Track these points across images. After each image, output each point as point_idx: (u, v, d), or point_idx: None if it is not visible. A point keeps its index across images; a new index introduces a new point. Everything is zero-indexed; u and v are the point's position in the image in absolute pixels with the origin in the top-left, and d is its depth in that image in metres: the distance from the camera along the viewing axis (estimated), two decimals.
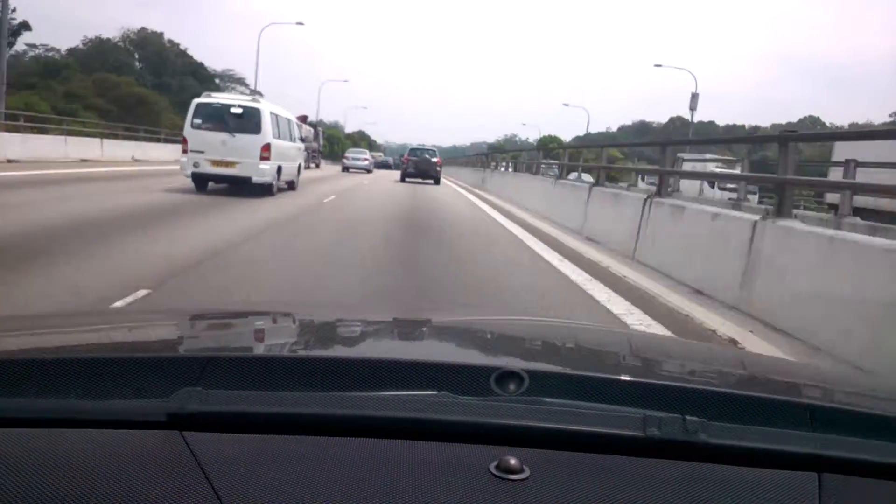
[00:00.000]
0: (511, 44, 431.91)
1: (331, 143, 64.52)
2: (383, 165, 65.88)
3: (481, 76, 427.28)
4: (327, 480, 0.65)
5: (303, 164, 17.00)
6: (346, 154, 40.75)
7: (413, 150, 29.06)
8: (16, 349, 1.01)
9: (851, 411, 0.91)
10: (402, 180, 26.38)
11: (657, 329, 4.56)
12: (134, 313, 1.78)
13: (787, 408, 0.86)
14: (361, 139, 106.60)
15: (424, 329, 1.42)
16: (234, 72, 71.28)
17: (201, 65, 64.29)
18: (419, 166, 26.99)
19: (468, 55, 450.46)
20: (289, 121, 15.26)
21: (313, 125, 38.80)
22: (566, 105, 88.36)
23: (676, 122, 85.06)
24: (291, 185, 15.52)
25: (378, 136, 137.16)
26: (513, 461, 0.68)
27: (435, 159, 27.59)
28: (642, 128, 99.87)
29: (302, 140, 16.78)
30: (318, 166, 35.96)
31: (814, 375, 1.47)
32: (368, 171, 37.95)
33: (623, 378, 0.97)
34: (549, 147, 28.26)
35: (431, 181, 26.06)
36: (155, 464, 0.66)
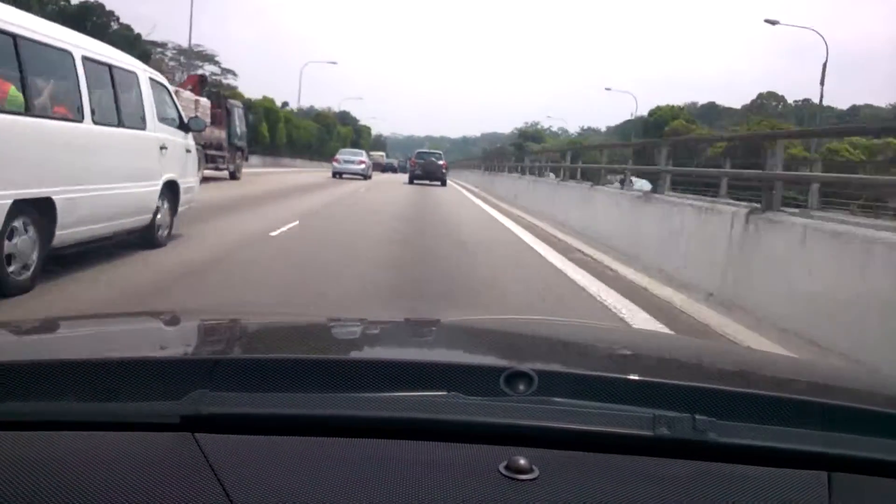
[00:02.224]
0: (522, 32, 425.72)
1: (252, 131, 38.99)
2: (388, 169, 57.51)
3: (492, 64, 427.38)
4: (338, 481, 0.72)
5: (188, 180, 8.70)
6: (337, 156, 36.42)
7: (420, 154, 33.69)
8: (28, 353, 1.07)
9: (861, 410, 0.98)
10: (411, 182, 30.20)
11: None
12: (143, 316, 1.79)
13: (797, 406, 0.93)
14: (343, 124, 79.21)
15: (434, 329, 1.50)
16: (203, 48, 60.57)
17: (106, 13, 43.06)
18: (426, 169, 30.86)
19: (477, 43, 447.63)
20: (109, 70, 6.65)
21: (216, 97, 23.27)
22: (608, 89, 75.72)
23: (804, 103, 72.19)
24: (148, 236, 7.57)
25: (381, 127, 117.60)
26: (522, 461, 0.74)
27: (441, 162, 31.83)
28: (711, 110, 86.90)
29: (183, 126, 8.45)
30: (234, 175, 23.00)
31: (823, 374, 1.57)
32: (365, 177, 33.97)
33: (632, 377, 1.05)
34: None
35: (438, 182, 30.46)
36: (167, 465, 0.72)
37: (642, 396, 0.90)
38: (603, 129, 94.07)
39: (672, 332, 4.46)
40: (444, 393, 0.87)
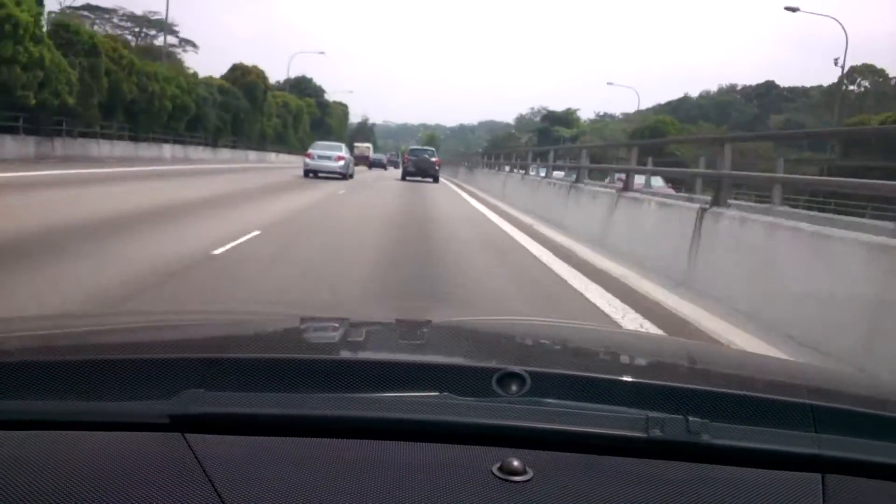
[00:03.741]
0: (522, 13, 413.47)
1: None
2: (376, 164, 51.82)
3: (490, 49, 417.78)
4: (330, 482, 0.73)
5: None
6: (310, 151, 31.03)
7: (413, 151, 37.20)
8: (17, 351, 1.08)
9: (854, 412, 1.00)
10: (403, 178, 32.41)
11: None
12: (135, 314, 1.92)
13: (790, 408, 0.95)
14: (301, 95, 55.49)
15: (426, 330, 1.52)
16: (160, 15, 50.91)
17: None
18: (419, 166, 33.17)
19: (473, 27, 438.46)
20: None
21: None
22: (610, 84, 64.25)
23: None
24: None
25: (368, 113, 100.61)
26: (515, 463, 0.76)
27: (434, 159, 34.28)
28: (767, 88, 74.70)
29: None
30: None
31: (816, 376, 1.60)
32: (344, 176, 29.43)
33: (625, 379, 1.06)
34: None
35: (430, 179, 32.20)
36: (157, 466, 0.73)
37: (635, 398, 0.91)
38: (618, 114, 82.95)
39: (665, 334, 4.62)
40: (436, 394, 0.88)
